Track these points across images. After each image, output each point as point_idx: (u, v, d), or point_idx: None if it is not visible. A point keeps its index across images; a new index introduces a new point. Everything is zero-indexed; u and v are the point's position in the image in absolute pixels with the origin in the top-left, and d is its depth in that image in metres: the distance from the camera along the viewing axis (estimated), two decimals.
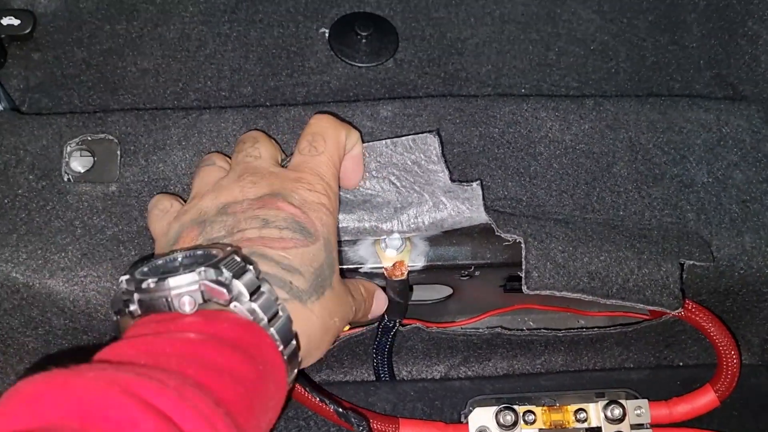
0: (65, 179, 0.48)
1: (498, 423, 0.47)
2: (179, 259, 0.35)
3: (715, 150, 0.51)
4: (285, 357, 0.34)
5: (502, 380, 0.51)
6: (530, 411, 0.47)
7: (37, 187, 0.47)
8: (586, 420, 0.48)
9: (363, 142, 0.46)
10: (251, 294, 0.33)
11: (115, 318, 0.35)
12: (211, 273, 0.33)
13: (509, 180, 0.49)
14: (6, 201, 0.46)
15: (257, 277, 0.34)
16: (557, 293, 0.44)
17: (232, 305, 0.33)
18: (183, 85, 0.56)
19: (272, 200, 0.38)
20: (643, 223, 0.48)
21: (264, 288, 0.34)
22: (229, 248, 0.35)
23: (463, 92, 0.57)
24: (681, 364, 0.53)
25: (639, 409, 0.47)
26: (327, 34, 0.60)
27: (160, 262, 0.35)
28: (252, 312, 0.33)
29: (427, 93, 0.57)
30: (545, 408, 0.48)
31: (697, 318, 0.47)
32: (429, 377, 0.53)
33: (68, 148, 0.48)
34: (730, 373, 0.47)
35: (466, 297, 0.52)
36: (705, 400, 0.48)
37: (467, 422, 0.47)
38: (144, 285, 0.33)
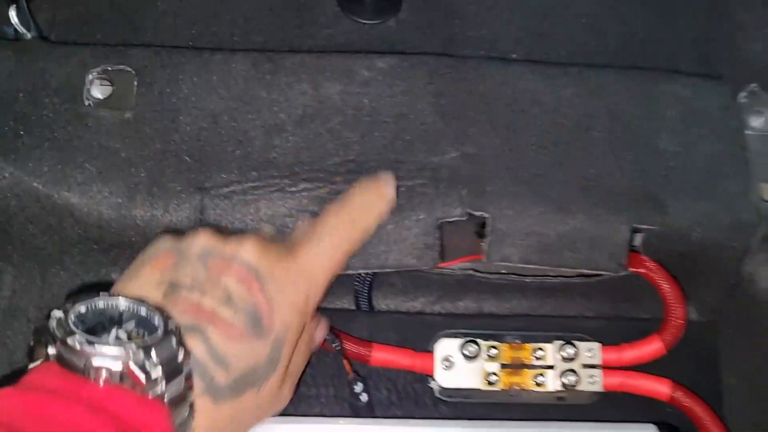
0: (86, 104, 0.52)
1: (462, 354, 0.52)
2: (121, 308, 0.35)
3: (686, 121, 0.55)
4: None
5: (473, 319, 0.56)
6: (494, 347, 0.52)
7: (61, 109, 0.52)
8: (542, 358, 0.52)
9: (360, 91, 0.51)
10: (168, 377, 0.34)
11: (30, 343, 0.35)
12: (140, 357, 0.33)
13: (493, 131, 0.53)
14: (33, 118, 0.51)
15: (182, 363, 0.35)
16: (513, 264, 0.50)
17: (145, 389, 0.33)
18: (197, 30, 0.60)
19: (250, 276, 0.39)
20: (612, 184, 0.52)
21: (181, 378, 0.34)
22: (171, 324, 0.35)
23: (458, 55, 0.61)
24: (637, 317, 0.57)
25: (590, 351, 0.52)
26: None
27: (101, 304, 0.35)
28: (161, 398, 0.33)
29: (424, 53, 0.60)
30: (507, 345, 0.53)
31: (650, 273, 0.52)
32: (404, 311, 0.57)
33: (90, 76, 0.53)
34: (676, 324, 0.51)
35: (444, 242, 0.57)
36: (652, 347, 0.52)
37: (433, 350, 0.52)
38: (70, 341, 0.32)
